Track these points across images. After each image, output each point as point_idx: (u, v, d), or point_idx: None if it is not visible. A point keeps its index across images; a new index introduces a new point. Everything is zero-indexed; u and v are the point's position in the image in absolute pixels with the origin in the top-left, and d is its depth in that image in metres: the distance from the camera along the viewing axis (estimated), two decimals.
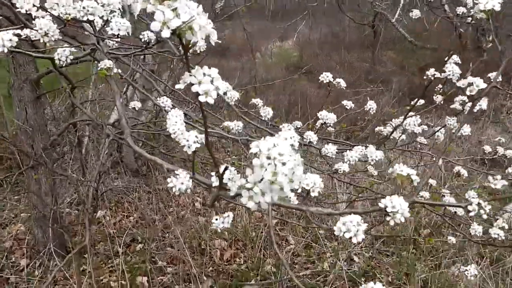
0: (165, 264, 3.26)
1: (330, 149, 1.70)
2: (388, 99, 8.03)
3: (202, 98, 0.59)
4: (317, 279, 3.14)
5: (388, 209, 0.88)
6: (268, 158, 0.54)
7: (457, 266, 3.31)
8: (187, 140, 1.08)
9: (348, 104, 1.96)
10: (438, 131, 2.15)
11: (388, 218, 0.89)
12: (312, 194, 0.99)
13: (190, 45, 0.57)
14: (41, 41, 0.87)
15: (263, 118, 1.91)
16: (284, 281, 2.90)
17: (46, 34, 0.86)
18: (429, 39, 11.34)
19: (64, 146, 4.84)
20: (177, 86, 0.61)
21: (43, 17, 0.87)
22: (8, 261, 3.34)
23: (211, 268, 3.25)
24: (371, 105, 1.94)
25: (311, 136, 1.73)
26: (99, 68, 1.56)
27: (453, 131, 1.83)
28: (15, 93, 3.05)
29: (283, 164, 0.53)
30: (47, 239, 3.35)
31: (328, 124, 1.77)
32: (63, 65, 1.22)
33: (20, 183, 4.55)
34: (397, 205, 0.88)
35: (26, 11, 0.87)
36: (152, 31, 0.68)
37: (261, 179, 0.55)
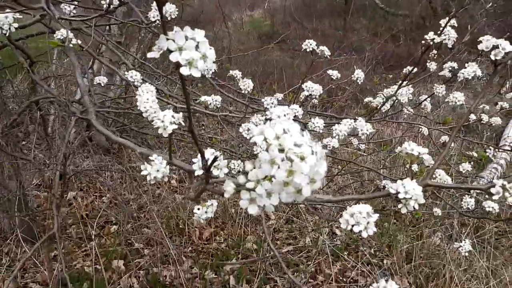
0: (142, 246, 3.13)
1: (317, 123, 1.57)
2: (362, 67, 7.95)
3: (184, 70, 0.44)
4: (300, 254, 3.07)
5: (401, 195, 0.76)
6: (281, 151, 0.40)
7: (438, 236, 3.30)
8: (162, 121, 0.92)
9: (333, 74, 1.82)
10: (425, 100, 2.05)
11: (400, 206, 0.77)
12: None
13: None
14: None
15: (242, 91, 1.76)
16: (267, 258, 2.81)
17: None
18: (400, 6, 11.26)
19: (30, 125, 4.57)
20: (149, 55, 0.45)
21: None
22: None
23: (190, 248, 3.14)
24: (359, 74, 1.81)
25: (296, 109, 1.59)
26: (55, 39, 1.37)
27: (449, 100, 1.73)
28: None
29: (302, 159, 0.39)
30: (14, 225, 3.16)
31: (313, 96, 1.64)
32: (7, 34, 1.03)
33: None
34: (410, 190, 0.76)
35: None
36: None
37: (267, 177, 0.41)
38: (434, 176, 1.67)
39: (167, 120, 0.93)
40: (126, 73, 1.54)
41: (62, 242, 3.16)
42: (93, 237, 3.23)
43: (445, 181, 1.58)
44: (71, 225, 3.43)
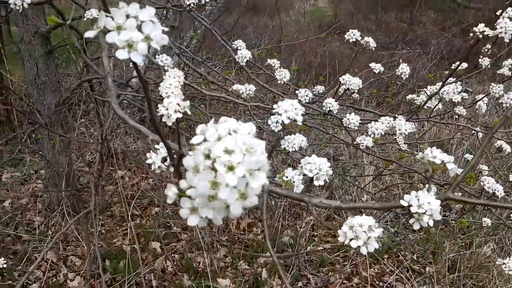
0: (179, 231, 3.15)
1: (352, 119, 1.47)
2: (425, 62, 7.54)
3: (121, 54, 0.38)
4: (337, 254, 2.96)
5: (413, 209, 0.66)
6: (207, 157, 0.33)
7: (490, 246, 3.07)
8: (167, 109, 0.87)
9: (376, 67, 1.70)
10: (480, 100, 1.87)
11: (411, 221, 0.68)
12: (316, 183, 0.78)
13: None
14: None
15: (278, 81, 1.68)
16: (301, 254, 2.74)
17: None
18: None
19: (83, 103, 4.75)
20: (86, 34, 0.40)
21: None
22: (23, 218, 3.31)
23: (226, 237, 3.12)
24: (403, 69, 1.67)
25: (331, 104, 1.49)
26: (85, 19, 1.36)
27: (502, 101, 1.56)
28: (25, 47, 2.90)
29: (230, 169, 0.32)
30: (61, 198, 3.29)
31: (352, 90, 1.53)
32: (20, 10, 1.02)
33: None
34: (425, 204, 0.66)
35: None
36: None
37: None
38: (482, 183, 1.51)
39: (171, 108, 0.88)
40: (157, 56, 1.51)
41: (103, 219, 3.25)
42: (135, 217, 3.31)
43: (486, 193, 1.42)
44: (116, 203, 3.53)
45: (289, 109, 0.78)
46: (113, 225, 3.26)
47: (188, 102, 0.88)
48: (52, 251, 2.89)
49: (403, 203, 0.67)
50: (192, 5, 1.48)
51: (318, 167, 0.77)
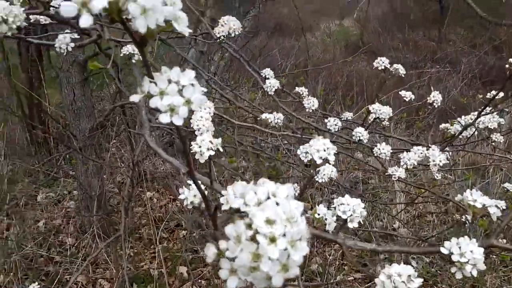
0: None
1: (383, 149, 1.45)
2: (456, 82, 7.41)
3: (164, 118, 0.38)
4: (368, 285, 2.88)
5: (454, 257, 0.64)
6: (249, 226, 0.33)
7: None
8: (200, 146, 0.88)
9: (407, 95, 1.68)
10: None
11: (453, 270, 0.65)
12: (350, 225, 0.77)
13: (147, 35, 0.37)
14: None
15: (306, 110, 1.68)
16: (331, 285, 2.68)
17: (5, 21, 0.69)
18: (505, 14, 10.36)
19: (117, 127, 4.86)
20: (131, 98, 0.41)
21: None
22: (55, 239, 3.37)
23: None
24: (435, 97, 1.65)
25: (361, 133, 1.48)
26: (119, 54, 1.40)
27: None
28: (63, 74, 3.01)
29: (272, 241, 0.31)
30: (93, 220, 3.35)
31: (382, 119, 1.51)
32: (64, 54, 1.06)
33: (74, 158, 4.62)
34: (467, 253, 0.64)
35: None
36: None
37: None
38: None
39: (204, 146, 0.89)
40: None
41: (132, 242, 3.28)
42: (162, 240, 3.33)
43: None
44: (144, 225, 3.56)
45: (321, 149, 0.78)
46: (141, 248, 3.29)
47: (220, 140, 0.89)
48: (83, 274, 2.92)
49: (444, 250, 0.65)
50: (222, 37, 1.50)
51: (352, 208, 0.76)
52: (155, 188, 4.33)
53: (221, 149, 0.90)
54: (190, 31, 0.39)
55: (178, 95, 0.39)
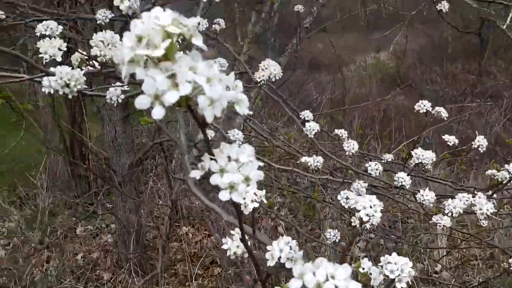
0: None
1: (427, 196, 1.42)
2: (498, 117, 7.20)
3: (224, 195, 0.40)
4: None
5: None
6: None
7: None
8: (244, 198, 0.89)
9: (450, 139, 1.65)
10: None
11: None
12: (398, 286, 0.75)
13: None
14: (61, 92, 0.75)
15: (346, 153, 1.67)
16: None
17: (67, 85, 0.74)
18: None
19: (155, 159, 4.98)
20: (192, 174, 0.43)
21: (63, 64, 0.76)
22: (93, 273, 3.43)
23: None
24: (480, 142, 1.61)
25: (403, 178, 1.46)
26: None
27: None
28: (105, 112, 3.13)
29: None
30: (129, 255, 3.39)
31: (425, 165, 1.49)
32: (115, 104, 1.12)
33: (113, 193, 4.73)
34: None
35: (51, 56, 0.77)
36: None
37: None
38: None
39: (248, 198, 0.90)
40: (229, 131, 1.57)
41: (167, 278, 3.29)
42: (197, 276, 3.32)
43: None
44: (179, 261, 3.57)
45: (367, 206, 0.77)
46: (177, 284, 3.29)
47: (264, 191, 0.90)
48: None
49: None
50: (262, 82, 1.54)
51: (400, 267, 0.75)
52: (190, 223, 4.36)
53: (265, 201, 0.91)
54: (250, 112, 0.41)
55: (237, 172, 0.40)
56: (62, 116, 4.64)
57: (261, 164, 0.43)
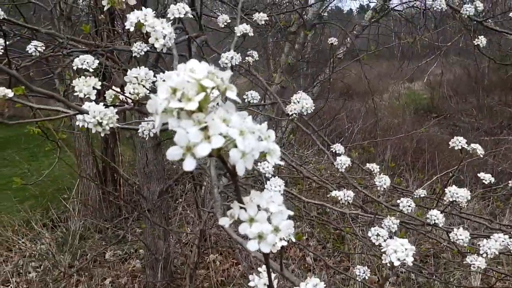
0: None
1: (460, 235, 1.37)
2: None
3: (252, 245, 0.40)
4: None
5: None
6: None
7: None
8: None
9: (486, 177, 1.59)
10: None
11: None
12: None
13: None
14: (93, 131, 0.77)
15: (378, 188, 1.64)
16: None
17: (100, 124, 0.76)
18: None
19: (184, 189, 5.03)
20: (221, 222, 0.42)
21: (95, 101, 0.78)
22: None
23: None
24: None
25: (437, 216, 1.41)
26: None
27: None
28: (138, 139, 3.20)
29: None
30: (157, 282, 3.39)
31: (459, 203, 1.44)
32: (147, 138, 1.14)
33: (142, 219, 4.78)
34: None
35: (85, 95, 0.79)
36: None
37: None
38: None
39: (276, 247, 0.89)
40: (259, 164, 1.57)
41: None
42: None
43: None
44: None
45: (399, 250, 0.75)
46: None
47: (292, 229, 0.89)
48: None
49: None
50: (294, 115, 1.54)
51: None
52: (218, 250, 4.34)
53: (293, 239, 0.89)
54: (282, 163, 0.40)
55: (267, 222, 0.40)
56: (96, 140, 4.77)
57: (291, 213, 0.43)
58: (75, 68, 1.05)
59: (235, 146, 0.34)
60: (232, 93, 0.35)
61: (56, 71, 2.68)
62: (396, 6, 5.31)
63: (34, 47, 1.42)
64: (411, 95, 12.68)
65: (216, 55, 2.31)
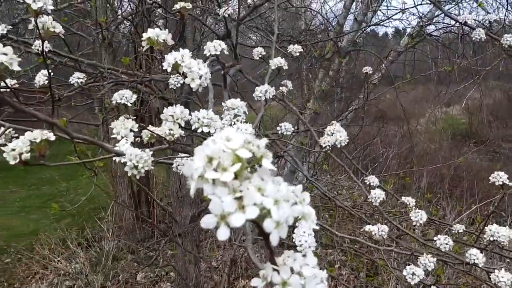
0: None
1: (503, 277, 1.30)
2: None
3: None
4: None
5: None
6: None
7: None
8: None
9: None
10: None
11: None
12: None
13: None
14: (129, 174, 0.79)
15: (414, 223, 1.60)
16: None
17: (135, 167, 0.78)
18: None
19: None
20: (253, 283, 0.42)
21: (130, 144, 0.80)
22: None
23: None
24: None
25: (476, 256, 1.36)
26: None
27: None
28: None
29: None
30: None
31: (500, 243, 1.38)
32: (180, 173, 1.16)
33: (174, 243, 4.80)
34: None
35: (123, 137, 0.82)
36: None
37: None
38: None
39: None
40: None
41: None
42: None
43: None
44: None
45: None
46: None
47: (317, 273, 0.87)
48: None
49: None
50: (328, 147, 1.53)
51: None
52: (249, 275, 4.30)
53: (326, 285, 0.87)
54: (316, 227, 0.40)
55: (300, 287, 0.39)
56: None
57: (325, 275, 0.42)
58: (114, 102, 1.08)
59: (270, 214, 0.34)
60: (267, 162, 0.35)
61: (96, 97, 2.77)
62: (433, 31, 5.25)
63: (77, 78, 1.47)
64: (449, 120, 12.38)
65: (248, 79, 2.35)
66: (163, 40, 0.89)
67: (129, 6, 3.84)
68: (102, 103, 3.18)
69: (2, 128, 0.95)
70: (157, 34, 0.89)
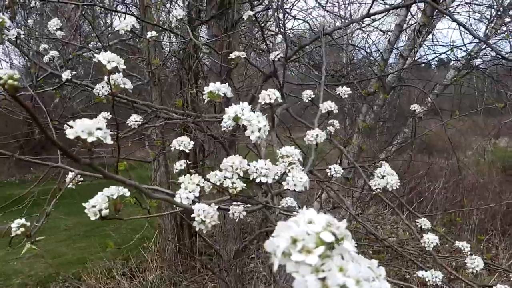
0: None
1: None
2: None
3: None
4: None
5: None
6: None
7: None
8: None
9: None
10: None
11: None
12: None
13: None
14: (197, 228, 0.82)
15: (469, 270, 1.54)
16: None
17: (203, 222, 0.81)
18: None
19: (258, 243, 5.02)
20: None
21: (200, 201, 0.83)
22: None
23: None
24: None
25: None
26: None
27: None
28: None
29: None
30: None
31: None
32: (237, 219, 1.18)
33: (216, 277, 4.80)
34: None
35: (190, 191, 0.85)
36: None
37: None
38: None
39: None
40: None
41: None
42: None
43: None
44: None
45: None
46: None
47: None
48: None
49: None
50: (378, 190, 1.51)
51: None
52: None
53: None
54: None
55: None
56: None
57: None
58: (172, 149, 1.13)
59: None
60: (349, 244, 0.36)
61: (147, 132, 2.89)
62: (480, 64, 5.14)
63: (134, 121, 1.55)
64: (498, 152, 11.90)
65: (295, 118, 2.37)
66: (223, 94, 0.93)
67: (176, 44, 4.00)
68: (152, 141, 3.31)
69: (72, 174, 1.01)
70: (218, 88, 0.93)
